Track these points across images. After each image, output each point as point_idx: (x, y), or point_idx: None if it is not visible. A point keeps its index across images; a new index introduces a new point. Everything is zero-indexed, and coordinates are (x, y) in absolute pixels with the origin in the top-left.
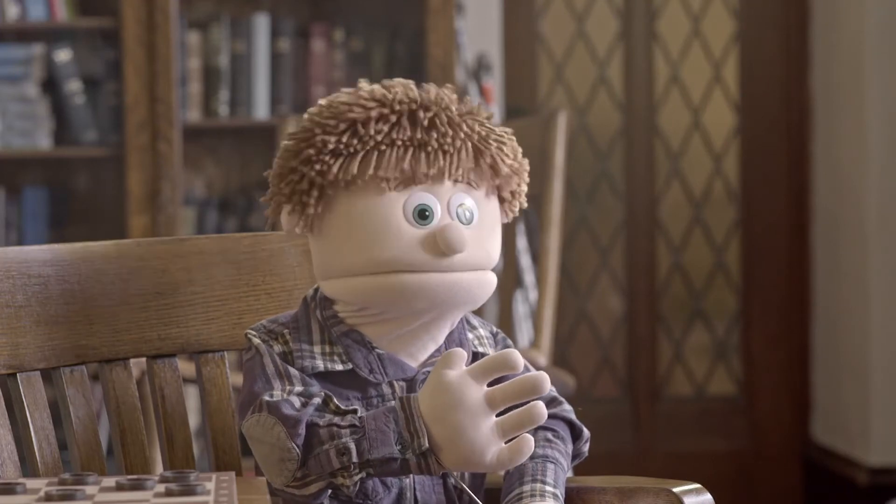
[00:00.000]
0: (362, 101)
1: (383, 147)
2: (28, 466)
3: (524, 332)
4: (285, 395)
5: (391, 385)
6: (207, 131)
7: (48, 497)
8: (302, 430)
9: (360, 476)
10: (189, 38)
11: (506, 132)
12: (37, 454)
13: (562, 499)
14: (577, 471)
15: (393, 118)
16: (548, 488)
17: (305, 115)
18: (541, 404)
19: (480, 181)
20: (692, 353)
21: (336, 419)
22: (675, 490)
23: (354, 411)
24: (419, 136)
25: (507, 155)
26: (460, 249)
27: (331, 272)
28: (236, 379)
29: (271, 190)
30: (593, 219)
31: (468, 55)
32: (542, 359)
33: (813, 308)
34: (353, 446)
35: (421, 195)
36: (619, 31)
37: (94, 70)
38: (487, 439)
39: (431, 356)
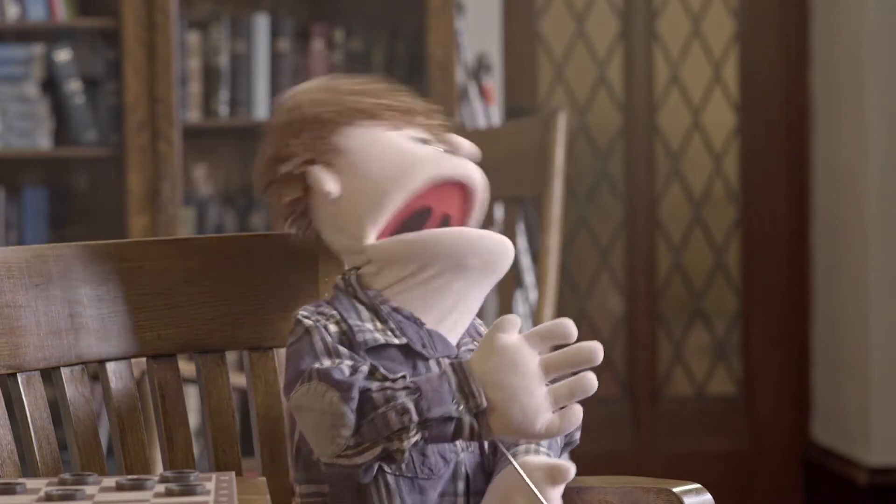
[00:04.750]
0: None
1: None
2: (28, 466)
3: (524, 332)
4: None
5: (439, 362)
6: (207, 131)
7: (48, 497)
8: (355, 393)
9: (415, 438)
10: (189, 38)
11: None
12: (37, 454)
13: None
14: (578, 471)
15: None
16: (542, 449)
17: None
18: (592, 374)
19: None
20: (692, 353)
21: (388, 383)
22: (675, 490)
23: (404, 377)
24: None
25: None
26: (473, 147)
27: (371, 217)
28: (236, 379)
29: (292, 162)
30: (593, 219)
31: (468, 55)
32: None
33: (813, 308)
34: (411, 406)
35: (413, 132)
36: (619, 31)
37: (94, 70)
38: (539, 406)
39: (462, 338)
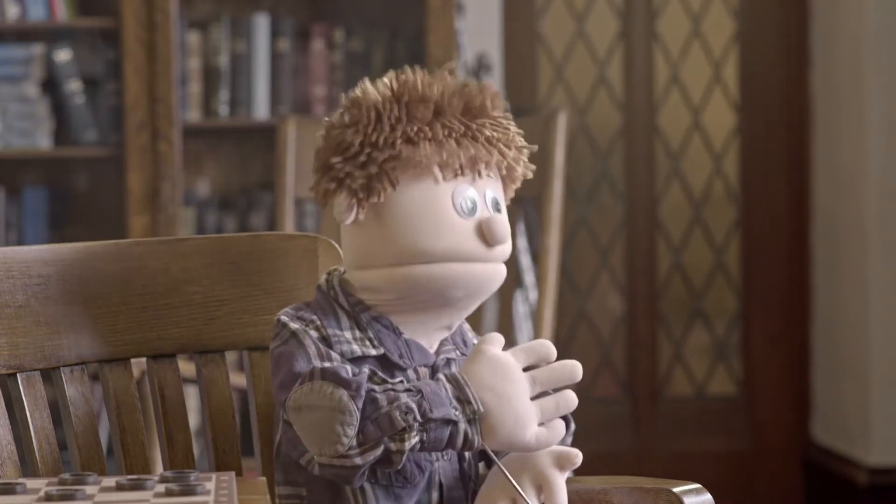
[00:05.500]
0: (420, 91)
1: (440, 137)
2: (28, 466)
3: (524, 332)
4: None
5: (416, 371)
6: (207, 131)
7: (48, 497)
8: (363, 392)
9: (415, 440)
10: (189, 38)
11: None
12: (37, 454)
13: None
14: (578, 471)
15: (450, 111)
16: None
17: (360, 93)
18: (573, 392)
19: (510, 173)
20: (692, 353)
21: (389, 385)
22: (675, 490)
23: (402, 381)
24: (472, 127)
25: (522, 148)
26: (505, 240)
27: (375, 261)
28: (236, 379)
29: (330, 173)
30: (593, 219)
31: (468, 55)
32: None
33: (813, 308)
34: (415, 406)
35: (465, 187)
36: (619, 31)
37: (94, 70)
38: (529, 416)
39: (442, 344)
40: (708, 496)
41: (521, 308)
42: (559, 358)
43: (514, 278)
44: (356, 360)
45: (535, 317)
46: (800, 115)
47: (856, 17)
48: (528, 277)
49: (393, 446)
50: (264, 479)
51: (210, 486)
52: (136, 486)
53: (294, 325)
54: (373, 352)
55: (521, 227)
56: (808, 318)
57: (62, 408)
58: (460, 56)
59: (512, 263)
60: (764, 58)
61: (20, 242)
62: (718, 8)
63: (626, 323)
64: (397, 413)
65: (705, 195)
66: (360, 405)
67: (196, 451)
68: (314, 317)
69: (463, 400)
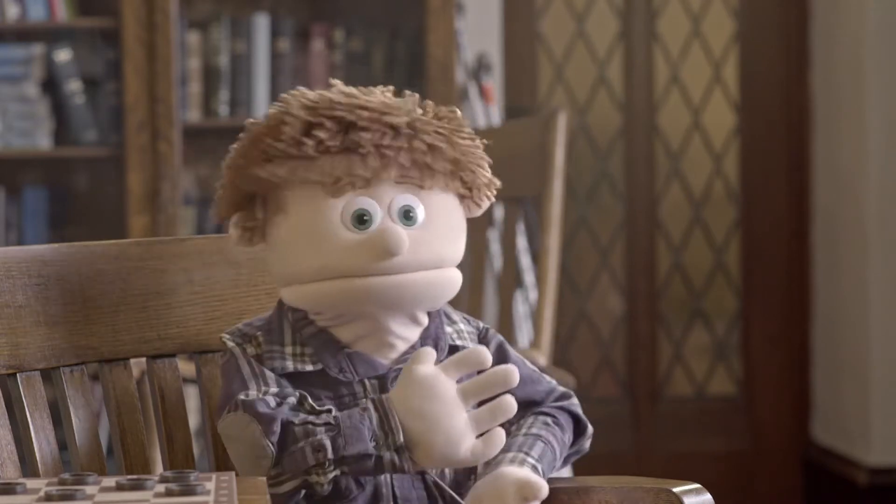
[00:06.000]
0: (295, 111)
1: (319, 152)
2: (28, 466)
3: (524, 332)
4: (260, 395)
5: (362, 384)
6: (207, 131)
7: (48, 497)
8: (277, 427)
9: (334, 474)
10: (189, 38)
11: (461, 125)
12: (37, 454)
13: (542, 474)
14: (577, 471)
15: (328, 123)
16: (529, 459)
17: (248, 124)
18: (511, 397)
19: (430, 180)
20: (692, 353)
21: (311, 417)
22: (675, 490)
23: (329, 410)
24: (353, 139)
25: (455, 150)
26: (396, 252)
27: (283, 279)
28: None
29: (223, 191)
30: (593, 219)
31: (468, 55)
32: (542, 359)
33: (813, 308)
34: (328, 443)
35: (359, 199)
36: (619, 31)
37: (94, 70)
38: (461, 432)
39: (404, 354)
40: (708, 496)
41: (521, 308)
42: (558, 361)
43: (514, 278)
44: (294, 376)
45: (535, 317)
46: (800, 115)
47: (856, 17)
48: (528, 277)
49: (311, 479)
50: (264, 479)
51: (210, 486)
52: (136, 486)
53: (231, 343)
54: (309, 367)
55: (521, 227)
56: (808, 318)
57: (62, 408)
58: (460, 56)
59: (512, 263)
60: (764, 58)
61: (20, 242)
62: (718, 8)
63: (626, 323)
64: (309, 450)
65: (705, 195)
66: (274, 440)
67: (196, 451)
68: (258, 332)
69: (387, 429)
